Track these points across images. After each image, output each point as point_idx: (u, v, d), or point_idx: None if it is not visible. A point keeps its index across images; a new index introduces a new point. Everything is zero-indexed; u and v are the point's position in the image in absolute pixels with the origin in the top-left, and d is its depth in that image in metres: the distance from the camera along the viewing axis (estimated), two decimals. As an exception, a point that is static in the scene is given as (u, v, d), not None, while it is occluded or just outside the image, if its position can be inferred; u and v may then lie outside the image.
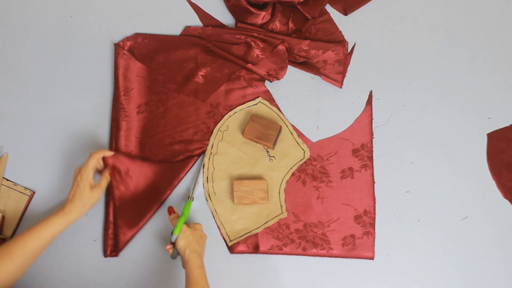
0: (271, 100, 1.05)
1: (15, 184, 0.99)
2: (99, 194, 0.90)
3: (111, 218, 0.95)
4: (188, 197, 0.97)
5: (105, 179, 0.92)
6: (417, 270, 0.95)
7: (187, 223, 0.91)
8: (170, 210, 0.93)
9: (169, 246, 0.89)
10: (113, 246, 0.94)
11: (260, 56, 1.07)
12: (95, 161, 0.91)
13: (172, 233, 0.88)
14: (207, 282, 0.83)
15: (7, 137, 1.03)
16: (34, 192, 0.99)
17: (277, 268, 0.95)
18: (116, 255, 0.94)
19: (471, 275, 0.95)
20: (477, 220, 0.98)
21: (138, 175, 0.96)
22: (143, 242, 0.96)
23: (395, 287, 0.94)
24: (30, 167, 1.00)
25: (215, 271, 0.94)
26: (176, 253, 0.89)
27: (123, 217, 0.94)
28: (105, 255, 0.94)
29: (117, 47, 1.08)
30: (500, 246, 0.96)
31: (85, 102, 1.05)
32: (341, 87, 1.06)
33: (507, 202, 0.99)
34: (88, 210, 0.88)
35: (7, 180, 0.99)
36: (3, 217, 0.96)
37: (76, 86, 1.07)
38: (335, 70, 1.07)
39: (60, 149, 1.02)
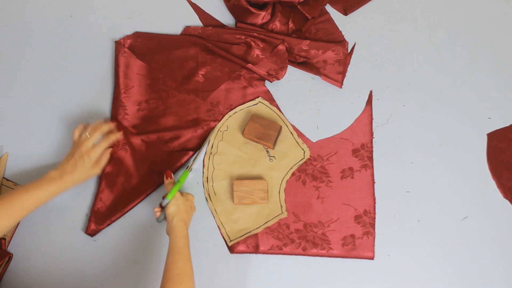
0: (271, 100, 1.05)
1: (15, 184, 0.99)
2: (97, 173, 0.95)
3: (102, 195, 0.98)
4: (186, 167, 0.98)
5: (106, 158, 0.96)
6: (417, 270, 0.95)
7: (181, 192, 0.92)
8: (168, 175, 0.94)
9: (157, 209, 0.91)
10: (97, 224, 0.96)
11: (260, 56, 1.07)
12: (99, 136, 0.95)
13: (164, 197, 0.89)
14: (189, 252, 0.83)
15: (7, 137, 1.03)
16: (34, 192, 0.99)
17: (277, 268, 0.95)
18: (96, 232, 0.95)
19: (471, 275, 0.95)
20: (477, 220, 0.98)
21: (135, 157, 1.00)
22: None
23: (395, 287, 0.94)
24: (30, 167, 1.00)
25: (215, 271, 0.94)
26: (162, 218, 0.90)
27: (113, 198, 0.98)
28: (87, 231, 0.95)
29: (118, 44, 1.08)
30: (500, 246, 0.96)
31: (85, 102, 1.05)
32: (341, 87, 1.06)
33: (507, 202, 0.99)
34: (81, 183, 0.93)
35: (7, 180, 0.99)
36: (3, 217, 0.96)
37: (76, 86, 1.07)
38: (335, 70, 1.07)
39: (60, 149, 1.02)
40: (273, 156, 1.01)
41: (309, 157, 1.01)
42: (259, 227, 0.97)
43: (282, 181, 0.99)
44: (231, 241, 0.96)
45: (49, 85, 1.07)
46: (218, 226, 0.97)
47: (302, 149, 1.01)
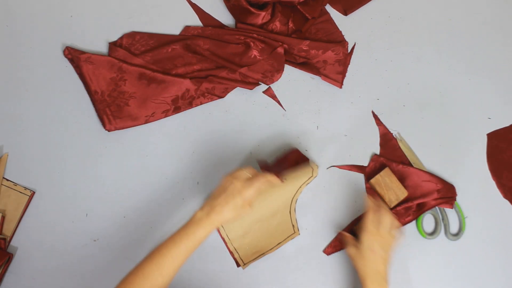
0: (273, 97, 1.05)
1: (15, 184, 0.99)
2: (248, 212, 0.84)
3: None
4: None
5: (255, 193, 0.84)
6: (417, 270, 0.95)
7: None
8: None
9: (348, 234, 0.89)
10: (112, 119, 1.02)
11: (258, 57, 1.07)
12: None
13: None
14: None
15: (7, 137, 1.03)
16: (34, 192, 0.99)
17: (278, 268, 0.95)
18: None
19: (471, 275, 0.95)
20: (477, 220, 0.98)
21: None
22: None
23: (396, 287, 0.94)
24: (30, 167, 1.00)
25: (217, 272, 0.94)
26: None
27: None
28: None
29: (112, 46, 1.08)
30: (500, 246, 0.96)
31: (85, 102, 1.05)
32: (341, 87, 1.06)
33: (507, 202, 0.99)
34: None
35: (7, 180, 0.99)
36: (3, 217, 0.96)
37: (76, 86, 1.07)
38: (335, 70, 1.07)
39: (60, 149, 1.02)
40: (285, 178, 0.96)
41: (317, 175, 1.00)
42: (272, 248, 0.96)
43: (292, 201, 0.99)
44: (245, 264, 0.96)
45: (49, 85, 1.07)
46: (231, 252, 0.96)
47: (311, 167, 0.99)
